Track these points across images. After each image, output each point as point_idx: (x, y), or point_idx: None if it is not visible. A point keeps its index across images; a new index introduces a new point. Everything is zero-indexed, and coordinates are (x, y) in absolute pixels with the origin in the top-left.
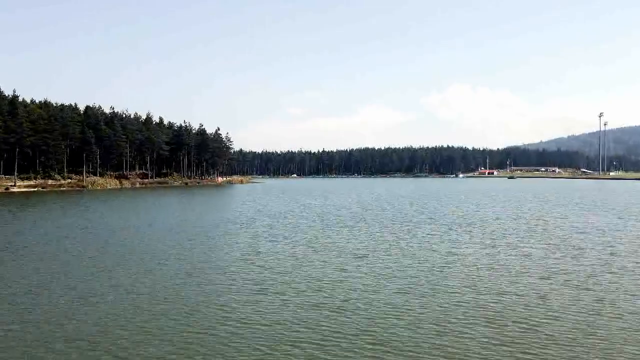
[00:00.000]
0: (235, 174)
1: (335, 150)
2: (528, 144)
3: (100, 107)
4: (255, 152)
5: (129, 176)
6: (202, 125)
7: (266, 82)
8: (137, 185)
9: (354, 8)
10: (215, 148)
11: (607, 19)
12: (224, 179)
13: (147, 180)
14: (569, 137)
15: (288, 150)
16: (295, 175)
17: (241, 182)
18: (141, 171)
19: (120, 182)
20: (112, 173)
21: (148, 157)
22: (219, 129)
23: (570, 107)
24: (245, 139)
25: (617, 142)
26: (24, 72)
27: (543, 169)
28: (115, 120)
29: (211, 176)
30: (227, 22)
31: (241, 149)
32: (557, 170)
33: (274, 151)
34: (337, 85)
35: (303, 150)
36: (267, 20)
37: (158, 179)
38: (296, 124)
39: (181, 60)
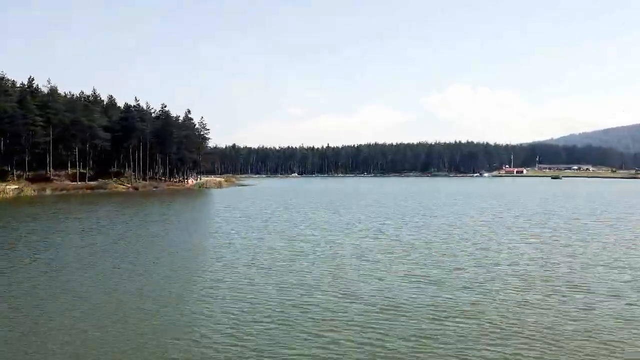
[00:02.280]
0: (227, 172)
1: (341, 146)
2: (537, 142)
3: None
4: (250, 148)
5: (52, 178)
6: (164, 106)
7: (266, 82)
8: (48, 192)
9: (354, 8)
10: (183, 137)
11: (607, 19)
12: (197, 180)
13: (73, 184)
14: (580, 134)
15: (288, 146)
16: (296, 174)
17: (219, 185)
18: (76, 170)
19: (21, 189)
20: (23, 173)
21: (76, 149)
22: (189, 111)
23: (570, 107)
24: (245, 138)
25: (634, 139)
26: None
27: (575, 167)
28: (28, 96)
29: (180, 176)
30: (226, 21)
31: (234, 144)
32: (591, 168)
33: (271, 147)
34: (337, 85)
35: (305, 146)
36: (267, 20)
37: (97, 182)
38: (296, 124)
39: (180, 60)
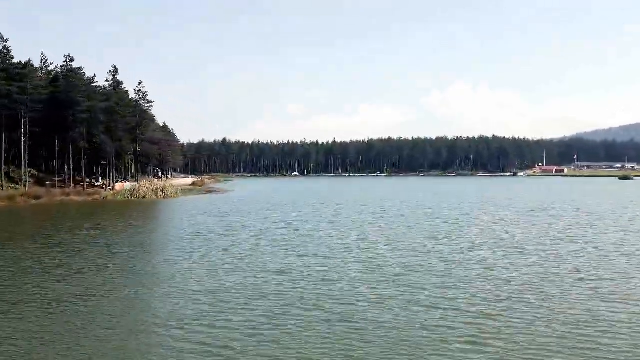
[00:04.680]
0: (216, 171)
1: (349, 141)
2: (573, 136)
3: None
4: (243, 143)
5: None
6: (69, 59)
7: (266, 81)
8: None
9: (353, 7)
10: (101, 113)
11: (607, 18)
12: (126, 183)
13: None
14: (592, 132)
15: (288, 141)
16: (297, 173)
17: (162, 194)
18: None
19: None
20: None
21: None
22: (116, 70)
23: (570, 107)
24: (242, 137)
25: None
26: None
27: (618, 165)
28: None
29: (108, 177)
30: (225, 20)
31: (224, 138)
32: (636, 166)
33: (268, 142)
34: (338, 84)
35: (307, 141)
36: (267, 18)
37: None
38: (296, 123)
39: (178, 61)
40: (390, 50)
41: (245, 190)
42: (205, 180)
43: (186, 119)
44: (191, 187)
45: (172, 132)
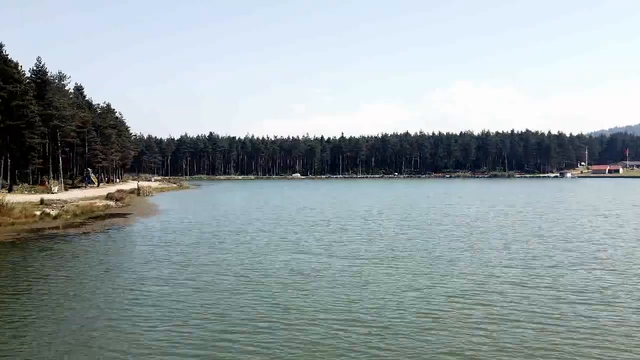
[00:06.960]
0: (201, 172)
1: (359, 136)
2: (590, 135)
3: None
4: (233, 138)
5: None
6: None
7: (268, 81)
8: None
9: (357, 6)
10: None
11: (609, 17)
12: None
13: None
14: (610, 129)
15: (288, 137)
16: (298, 175)
17: None
18: None
19: None
20: None
21: None
22: None
23: (572, 105)
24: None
25: None
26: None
27: None
28: None
29: None
30: (227, 19)
31: (211, 133)
32: None
33: (264, 137)
34: (341, 83)
35: (311, 137)
36: (268, 17)
37: None
38: (299, 121)
39: (177, 62)
40: (393, 48)
41: (184, 214)
42: (148, 188)
43: (182, 118)
44: (93, 201)
45: (120, 119)
